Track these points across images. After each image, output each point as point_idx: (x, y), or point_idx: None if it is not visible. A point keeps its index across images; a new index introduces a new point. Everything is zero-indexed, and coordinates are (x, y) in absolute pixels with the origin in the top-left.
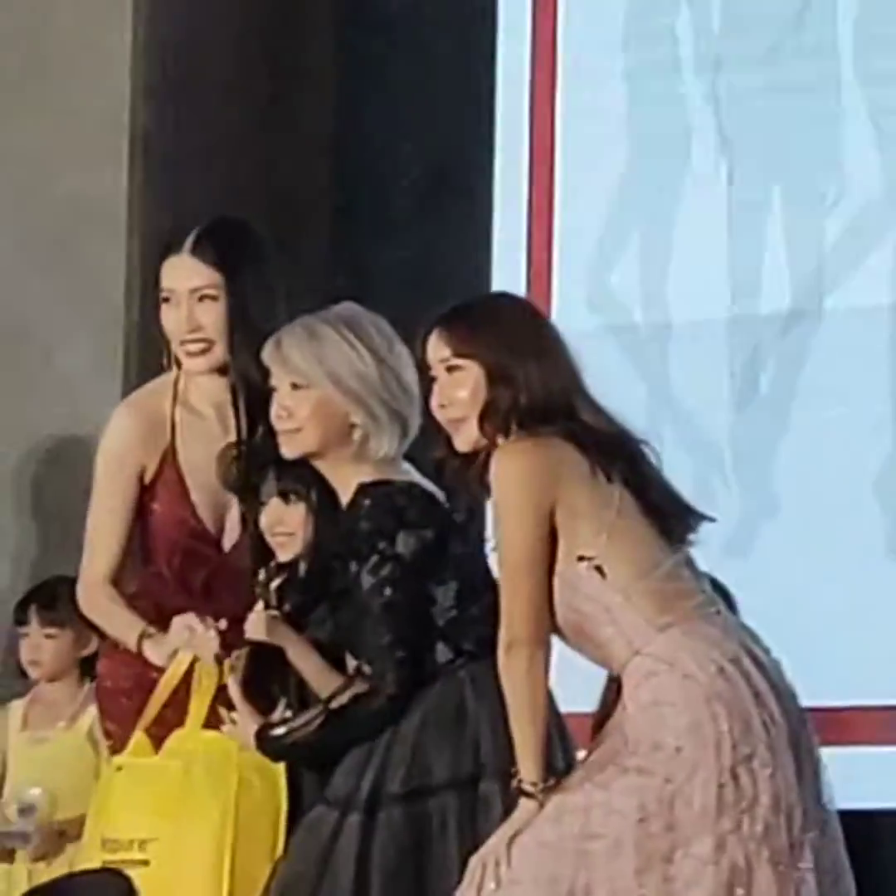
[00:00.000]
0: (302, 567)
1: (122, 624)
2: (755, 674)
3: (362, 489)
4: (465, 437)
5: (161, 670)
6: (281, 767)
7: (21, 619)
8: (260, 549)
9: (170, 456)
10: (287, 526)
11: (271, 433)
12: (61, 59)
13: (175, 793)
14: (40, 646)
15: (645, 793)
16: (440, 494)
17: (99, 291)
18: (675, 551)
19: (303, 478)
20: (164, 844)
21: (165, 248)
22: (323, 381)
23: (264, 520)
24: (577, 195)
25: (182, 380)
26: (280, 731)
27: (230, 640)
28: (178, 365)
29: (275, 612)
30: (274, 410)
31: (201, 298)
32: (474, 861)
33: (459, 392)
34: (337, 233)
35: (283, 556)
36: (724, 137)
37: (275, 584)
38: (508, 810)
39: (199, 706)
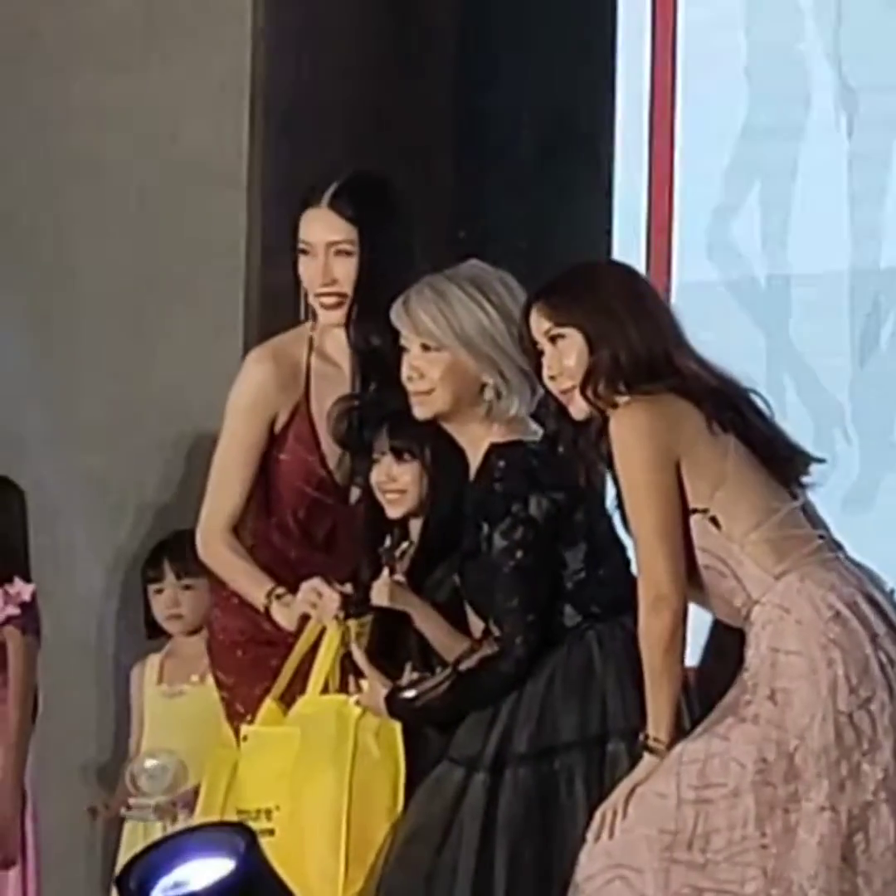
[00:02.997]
0: (413, 524)
1: (246, 578)
2: (873, 617)
3: (495, 450)
4: (580, 406)
5: (276, 624)
6: (398, 731)
7: (154, 577)
8: (371, 506)
9: (303, 405)
10: (398, 483)
11: (387, 389)
12: (182, 14)
13: (294, 760)
14: (179, 599)
15: (764, 742)
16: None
17: (219, 247)
18: (792, 498)
19: (417, 436)
20: (284, 812)
21: (305, 199)
22: (453, 342)
23: (375, 476)
24: (698, 148)
25: (318, 331)
26: (410, 694)
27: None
28: (314, 316)
29: (400, 578)
30: (405, 371)
31: (337, 252)
32: (597, 813)
33: (566, 361)
34: (458, 186)
35: (393, 513)
36: (845, 88)
37: (400, 550)
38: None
39: (320, 671)
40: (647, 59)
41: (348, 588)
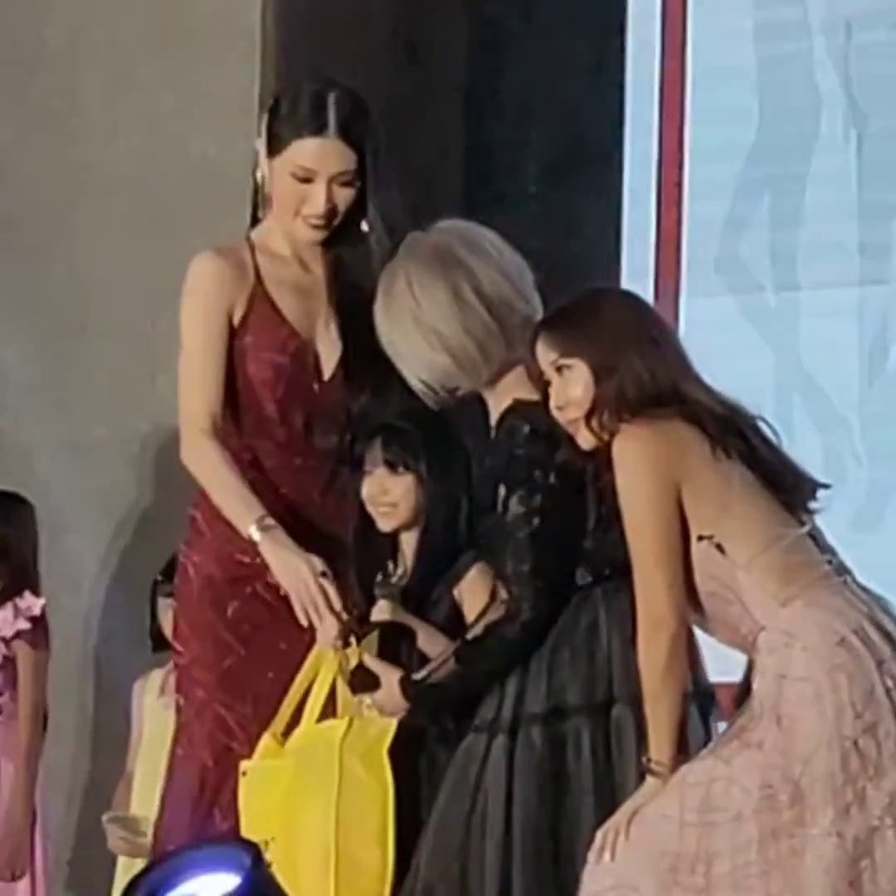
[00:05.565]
0: (404, 538)
1: (236, 498)
2: (879, 643)
3: (519, 408)
4: (586, 436)
5: (255, 560)
6: (384, 752)
7: (166, 591)
8: (361, 526)
9: (259, 292)
10: (390, 496)
11: (378, 398)
12: (192, 30)
13: (287, 791)
14: None
15: (768, 768)
16: None
17: None
18: (798, 524)
19: (412, 447)
20: (279, 843)
21: (303, 123)
22: (447, 361)
23: (367, 489)
24: (706, 166)
25: (257, 233)
26: (421, 674)
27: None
28: (254, 221)
29: (399, 608)
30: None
31: (342, 183)
32: (599, 833)
33: (572, 391)
34: (469, 206)
35: (385, 527)
36: (854, 105)
37: (396, 578)
38: (641, 736)
39: (315, 701)
40: (656, 77)
41: (344, 616)
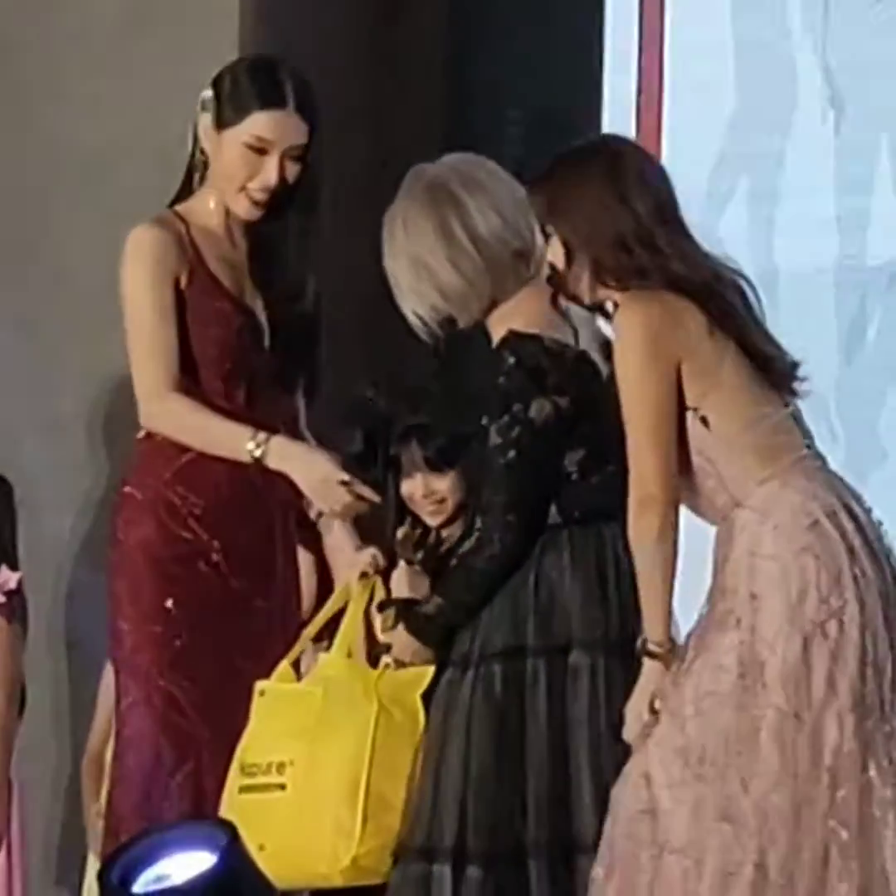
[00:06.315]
0: (448, 533)
1: (222, 430)
2: (850, 529)
3: (511, 338)
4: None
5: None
6: (416, 695)
7: None
8: (400, 515)
9: (198, 266)
10: (439, 494)
11: (401, 400)
12: (170, 13)
13: (314, 717)
14: None
15: (741, 646)
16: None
17: None
18: (783, 405)
19: (448, 444)
20: (300, 767)
21: (260, 95)
22: (444, 303)
23: (409, 490)
24: (684, 143)
25: (186, 207)
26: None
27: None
28: (180, 198)
29: (417, 568)
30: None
31: (293, 157)
32: (626, 714)
33: (555, 255)
34: None
35: (434, 523)
36: (832, 86)
37: (406, 536)
38: (594, 683)
39: (345, 632)
40: (634, 54)
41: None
